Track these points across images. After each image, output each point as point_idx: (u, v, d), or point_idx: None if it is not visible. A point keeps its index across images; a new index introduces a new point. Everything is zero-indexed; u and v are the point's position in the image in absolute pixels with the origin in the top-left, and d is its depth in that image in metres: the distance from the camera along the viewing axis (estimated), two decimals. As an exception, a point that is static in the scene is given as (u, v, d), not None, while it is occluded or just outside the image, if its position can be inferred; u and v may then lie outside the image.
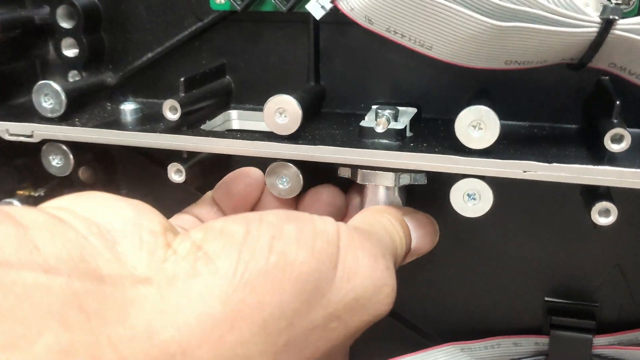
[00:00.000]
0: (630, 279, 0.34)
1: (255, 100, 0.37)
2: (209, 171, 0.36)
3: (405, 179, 0.32)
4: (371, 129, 0.31)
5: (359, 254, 0.25)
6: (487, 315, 0.37)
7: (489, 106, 0.29)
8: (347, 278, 0.23)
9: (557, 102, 0.33)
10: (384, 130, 0.31)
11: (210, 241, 0.21)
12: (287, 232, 0.23)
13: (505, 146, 0.30)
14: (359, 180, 0.32)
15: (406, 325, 0.38)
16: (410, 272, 0.38)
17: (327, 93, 0.36)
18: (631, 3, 0.30)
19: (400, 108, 0.33)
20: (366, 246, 0.25)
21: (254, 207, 0.34)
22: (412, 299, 0.38)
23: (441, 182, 0.31)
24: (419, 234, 0.31)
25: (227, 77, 0.38)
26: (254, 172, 0.34)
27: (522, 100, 0.34)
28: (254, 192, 0.34)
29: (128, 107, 0.36)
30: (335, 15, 0.30)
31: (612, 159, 0.28)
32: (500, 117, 0.30)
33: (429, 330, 0.38)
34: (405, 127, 0.32)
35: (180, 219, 0.33)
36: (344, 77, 0.36)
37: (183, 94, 0.33)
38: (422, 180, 0.32)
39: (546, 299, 0.35)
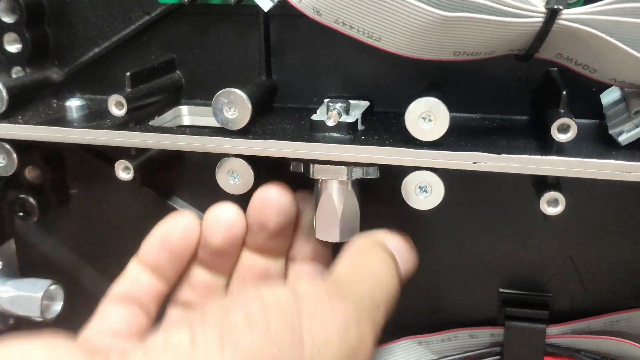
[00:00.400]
0: (581, 270, 0.35)
1: (206, 95, 0.37)
2: (159, 168, 0.35)
3: (358, 173, 0.31)
4: (322, 123, 0.31)
5: (329, 321, 0.23)
6: (444, 308, 0.37)
7: (440, 98, 0.29)
8: (318, 352, 0.22)
9: (508, 93, 0.33)
10: (335, 123, 0.30)
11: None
12: (235, 321, 0.21)
13: (456, 138, 0.30)
14: (311, 175, 0.32)
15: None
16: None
17: (279, 87, 0.36)
18: (577, -7, 0.30)
19: (352, 101, 0.33)
20: (338, 310, 0.23)
21: (195, 251, 0.31)
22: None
23: (394, 175, 0.30)
24: (402, 262, 0.29)
25: (177, 72, 0.37)
26: (187, 216, 0.31)
27: (473, 93, 0.34)
28: (193, 238, 0.30)
29: (74, 104, 0.35)
30: (284, 8, 0.30)
31: (560, 149, 0.28)
32: (452, 110, 0.30)
33: (386, 324, 0.38)
34: (357, 120, 0.32)
35: (105, 321, 0.30)
36: (296, 71, 0.35)
37: (129, 89, 0.32)
38: (374, 173, 0.32)
39: (501, 290, 0.35)
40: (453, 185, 0.30)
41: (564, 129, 0.27)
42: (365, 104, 0.34)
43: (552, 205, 0.29)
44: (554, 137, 0.27)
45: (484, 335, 0.36)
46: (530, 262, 0.35)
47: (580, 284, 0.35)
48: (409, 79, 0.34)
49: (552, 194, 0.28)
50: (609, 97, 0.31)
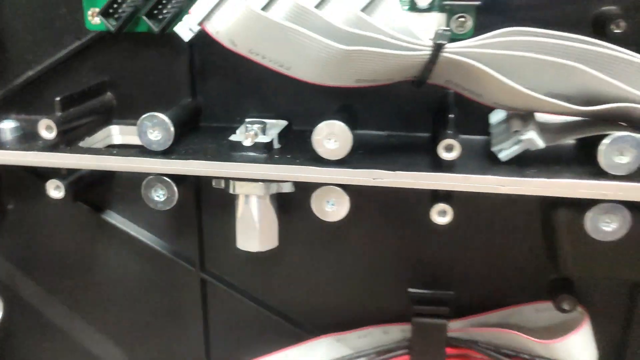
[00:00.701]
0: (478, 269, 0.38)
1: (137, 115, 0.38)
2: (91, 184, 0.37)
3: (273, 188, 0.34)
4: (239, 143, 0.33)
5: None
6: (359, 307, 0.40)
7: (352, 118, 0.32)
8: None
9: (413, 113, 0.37)
10: (252, 143, 0.33)
11: None
12: None
13: (361, 155, 0.33)
14: (231, 191, 0.34)
15: (286, 319, 0.41)
16: (286, 270, 0.41)
17: (204, 108, 0.38)
18: (466, 26, 0.34)
19: (270, 121, 0.36)
20: None
21: None
22: (291, 295, 0.41)
23: (306, 190, 0.33)
24: None
25: (109, 93, 0.39)
26: None
27: (381, 112, 0.37)
28: None
29: (7, 126, 0.37)
30: (206, 37, 0.32)
31: (449, 166, 0.31)
32: (362, 127, 0.32)
33: (307, 323, 0.41)
34: (272, 140, 0.34)
35: None
36: (220, 92, 0.38)
37: (59, 113, 0.34)
38: (289, 188, 0.35)
39: (409, 290, 0.39)
40: (362, 196, 0.33)
41: (449, 148, 0.31)
42: (283, 123, 0.37)
43: (441, 215, 0.32)
44: (440, 155, 0.31)
45: (396, 332, 0.39)
46: (435, 264, 0.39)
47: (478, 282, 0.39)
48: (324, 99, 0.37)
49: (441, 206, 0.32)
50: (495, 117, 0.35)
